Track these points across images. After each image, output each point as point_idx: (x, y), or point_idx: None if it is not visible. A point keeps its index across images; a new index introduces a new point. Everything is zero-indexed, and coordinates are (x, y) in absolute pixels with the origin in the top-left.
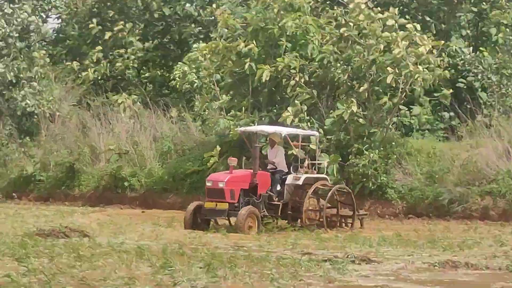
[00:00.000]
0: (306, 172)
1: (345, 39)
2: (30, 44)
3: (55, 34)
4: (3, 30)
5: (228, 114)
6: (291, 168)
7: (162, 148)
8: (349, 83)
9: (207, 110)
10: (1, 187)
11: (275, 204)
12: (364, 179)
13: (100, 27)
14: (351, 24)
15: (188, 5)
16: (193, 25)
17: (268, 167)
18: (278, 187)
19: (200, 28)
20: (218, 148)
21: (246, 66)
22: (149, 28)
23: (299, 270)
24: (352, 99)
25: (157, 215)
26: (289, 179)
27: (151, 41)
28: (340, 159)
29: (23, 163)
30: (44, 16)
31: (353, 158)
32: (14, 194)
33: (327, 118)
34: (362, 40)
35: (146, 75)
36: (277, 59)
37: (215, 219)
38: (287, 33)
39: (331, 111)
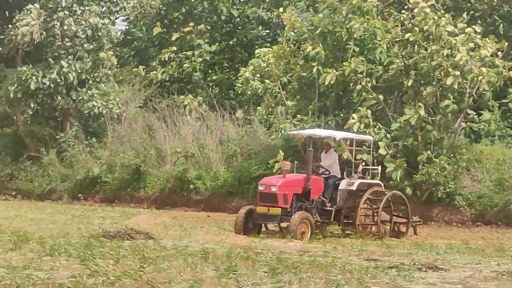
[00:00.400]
0: (360, 178)
1: (411, 43)
2: (98, 46)
3: (122, 36)
4: (71, 29)
5: (294, 118)
6: (345, 173)
7: (228, 151)
8: (416, 88)
9: (273, 114)
10: (67, 188)
11: (328, 209)
12: (434, 188)
13: (165, 29)
14: (417, 29)
15: (255, 8)
16: (260, 28)
17: (320, 172)
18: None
19: (267, 31)
20: (282, 153)
21: (314, 70)
22: (216, 30)
23: (365, 276)
24: (420, 103)
25: (222, 218)
26: (343, 185)
27: (218, 44)
28: (406, 164)
29: (89, 165)
30: (112, 18)
31: (423, 167)
32: (80, 195)
33: (394, 123)
34: (427, 45)
35: (212, 77)
36: (344, 63)
37: (265, 224)
38: (355, 37)
39: (398, 116)
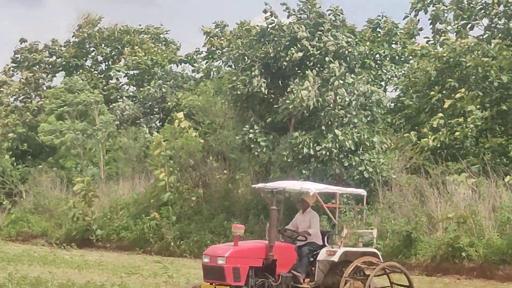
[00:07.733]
0: (346, 245)
1: None
2: (372, 114)
3: (393, 104)
4: (344, 99)
5: None
6: (325, 238)
7: (501, 218)
8: None
9: None
10: None
11: (303, 287)
12: None
13: (440, 95)
14: None
15: None
16: None
17: (292, 237)
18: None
19: None
20: None
21: None
22: (486, 96)
23: None
24: None
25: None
26: (322, 254)
27: (489, 110)
28: None
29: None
30: (384, 85)
31: None
32: None
33: None
34: None
35: (485, 144)
36: None
37: None
38: None
39: None
